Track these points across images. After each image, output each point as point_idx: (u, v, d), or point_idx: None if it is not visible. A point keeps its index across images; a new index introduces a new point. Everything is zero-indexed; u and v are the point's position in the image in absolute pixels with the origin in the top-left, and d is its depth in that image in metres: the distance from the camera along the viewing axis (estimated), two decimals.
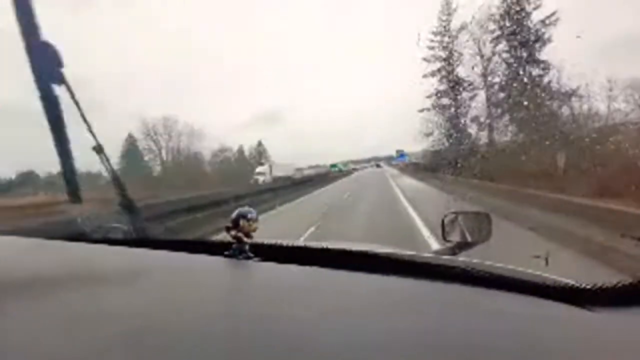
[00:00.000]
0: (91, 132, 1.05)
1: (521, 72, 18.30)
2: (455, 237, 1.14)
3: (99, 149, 0.98)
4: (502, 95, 19.23)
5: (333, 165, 66.97)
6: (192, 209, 9.19)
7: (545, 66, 17.99)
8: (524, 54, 18.67)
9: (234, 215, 0.72)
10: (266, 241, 0.83)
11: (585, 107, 15.44)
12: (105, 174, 1.04)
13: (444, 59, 22.93)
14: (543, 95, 15.75)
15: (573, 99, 15.42)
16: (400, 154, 57.89)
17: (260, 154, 57.14)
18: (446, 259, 0.80)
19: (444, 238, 1.16)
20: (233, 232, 0.72)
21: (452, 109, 22.29)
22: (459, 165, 15.10)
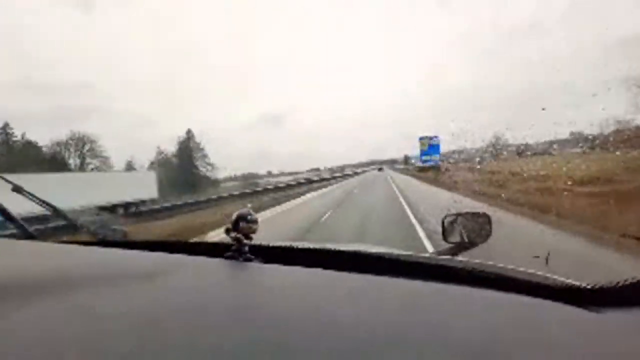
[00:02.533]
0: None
1: None
2: (455, 238, 1.14)
3: (17, 190, 0.98)
4: None
5: None
6: None
7: None
8: None
9: (233, 216, 0.72)
10: (266, 243, 0.83)
11: None
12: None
13: None
14: None
15: None
16: (431, 145, 32.62)
17: (190, 152, 36.86)
18: (447, 259, 0.80)
19: (444, 239, 1.16)
20: (233, 234, 0.72)
21: None
22: None
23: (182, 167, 36.41)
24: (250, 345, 0.39)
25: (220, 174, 40.01)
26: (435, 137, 33.47)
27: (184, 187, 29.84)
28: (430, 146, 33.56)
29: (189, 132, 38.52)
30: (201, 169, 38.77)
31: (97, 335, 0.41)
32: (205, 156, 38.97)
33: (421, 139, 34.32)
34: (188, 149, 38.53)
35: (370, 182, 30.26)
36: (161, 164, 35.35)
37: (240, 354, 0.38)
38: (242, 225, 0.72)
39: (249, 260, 0.71)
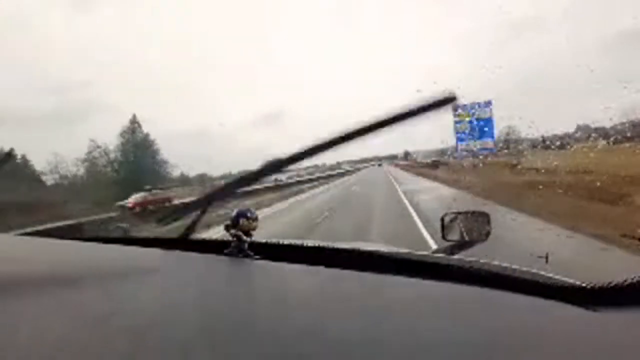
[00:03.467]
0: None
1: None
2: (454, 237, 1.14)
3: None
4: None
5: None
6: None
7: None
8: None
9: (233, 213, 0.73)
10: (265, 240, 0.83)
11: None
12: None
13: None
14: None
15: None
16: (478, 120, 16.92)
17: (135, 146, 28.26)
18: (446, 257, 0.80)
19: (444, 237, 1.16)
20: (233, 231, 0.72)
21: None
22: None
23: (126, 166, 27.67)
24: (249, 340, 0.39)
25: (177, 173, 32.13)
26: (486, 104, 16.82)
27: (124, 190, 22.25)
28: (477, 124, 17.07)
29: (133, 120, 28.35)
30: (160, 166, 30.00)
31: (97, 332, 0.41)
32: (156, 152, 29.63)
33: (458, 108, 16.49)
34: (132, 142, 28.83)
35: (368, 187, 18.85)
36: (93, 163, 27.08)
37: (239, 350, 0.38)
38: (242, 222, 0.72)
39: (249, 257, 0.71)
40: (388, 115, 0.54)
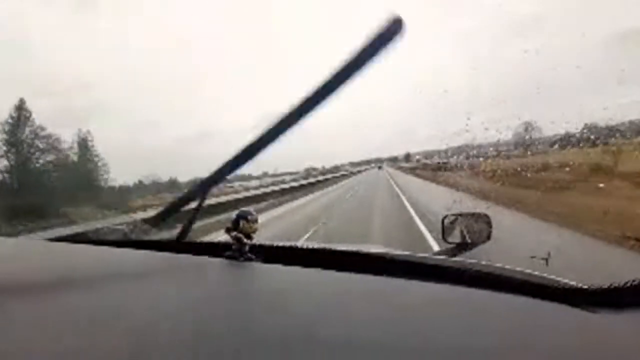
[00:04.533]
0: None
1: None
2: (455, 238, 1.14)
3: None
4: None
5: None
6: None
7: None
8: None
9: (234, 216, 0.73)
10: (266, 242, 0.83)
11: None
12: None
13: None
14: None
15: None
16: None
17: (30, 145, 19.76)
18: (446, 259, 0.80)
19: (444, 239, 1.16)
20: (233, 233, 0.72)
21: None
22: None
23: (18, 172, 19.23)
24: (250, 344, 0.39)
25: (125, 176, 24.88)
26: None
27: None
28: None
29: (20, 107, 19.60)
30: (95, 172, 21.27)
31: (96, 335, 0.41)
32: (92, 150, 20.09)
33: None
34: (22, 141, 20.14)
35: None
36: None
37: (240, 354, 0.38)
38: (242, 225, 0.72)
39: (249, 260, 0.71)
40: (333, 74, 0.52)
